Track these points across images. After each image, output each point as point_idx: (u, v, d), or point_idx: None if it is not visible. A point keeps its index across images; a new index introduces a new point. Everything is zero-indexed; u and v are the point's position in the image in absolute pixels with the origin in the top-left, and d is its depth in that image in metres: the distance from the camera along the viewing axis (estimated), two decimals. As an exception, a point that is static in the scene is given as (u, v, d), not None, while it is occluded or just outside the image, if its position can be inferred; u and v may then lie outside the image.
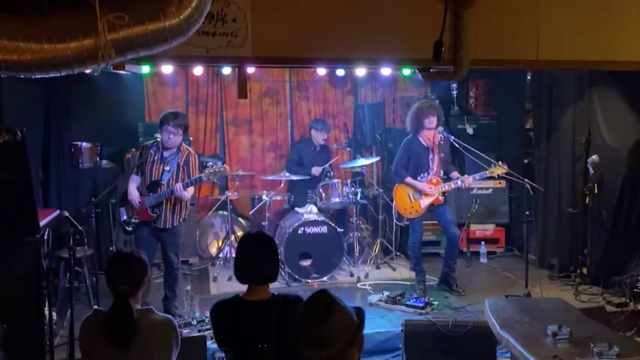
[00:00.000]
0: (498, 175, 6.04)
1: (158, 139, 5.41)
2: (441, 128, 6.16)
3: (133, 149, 6.71)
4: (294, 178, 7.15)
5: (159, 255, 5.70)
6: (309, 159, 7.45)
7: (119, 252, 3.26)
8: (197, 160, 5.58)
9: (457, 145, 6.14)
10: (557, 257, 6.92)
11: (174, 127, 5.36)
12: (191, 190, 5.50)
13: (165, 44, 3.55)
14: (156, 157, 5.46)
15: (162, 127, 5.39)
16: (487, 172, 5.98)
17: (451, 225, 6.24)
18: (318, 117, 8.22)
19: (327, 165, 7.30)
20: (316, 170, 7.31)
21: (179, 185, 5.33)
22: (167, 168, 5.42)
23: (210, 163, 5.80)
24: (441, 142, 6.14)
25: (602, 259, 6.32)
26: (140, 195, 5.44)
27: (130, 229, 5.50)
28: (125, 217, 5.51)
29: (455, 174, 6.22)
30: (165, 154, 5.47)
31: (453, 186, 6.14)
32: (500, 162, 5.99)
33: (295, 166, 7.42)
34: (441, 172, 6.17)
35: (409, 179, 6.12)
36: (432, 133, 6.09)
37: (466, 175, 6.13)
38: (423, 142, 6.13)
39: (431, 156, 6.13)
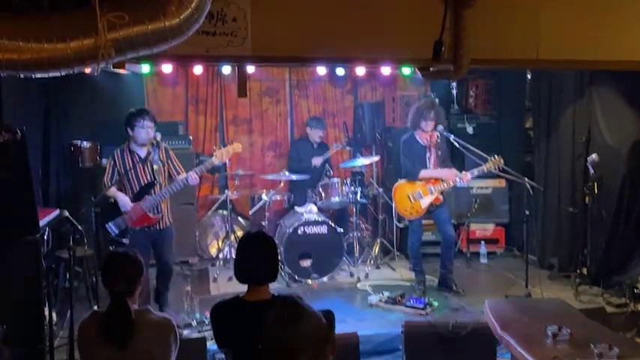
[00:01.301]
0: (497, 167, 6.03)
1: (158, 140, 5.37)
2: (440, 127, 6.16)
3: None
4: (294, 177, 7.15)
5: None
6: (307, 157, 7.44)
7: (115, 252, 3.27)
8: None
9: (457, 144, 6.14)
10: (557, 257, 6.92)
11: (150, 121, 5.32)
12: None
13: (166, 44, 3.55)
14: (133, 161, 5.35)
15: (137, 123, 5.28)
16: (484, 166, 5.98)
17: (448, 225, 6.26)
18: (318, 116, 8.22)
19: (326, 156, 7.28)
20: (317, 160, 7.31)
21: (192, 174, 5.31)
22: (156, 167, 5.35)
23: (214, 149, 5.71)
24: (438, 141, 6.15)
25: (602, 259, 6.31)
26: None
27: (127, 241, 5.30)
28: (117, 231, 5.31)
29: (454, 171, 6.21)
30: (142, 153, 5.37)
31: (451, 184, 6.14)
32: (495, 156, 6.00)
33: (297, 164, 7.42)
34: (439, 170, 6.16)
35: (423, 172, 6.09)
36: (429, 133, 6.11)
37: (464, 172, 6.13)
38: (420, 141, 6.14)
39: (428, 154, 6.14)
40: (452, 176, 6.08)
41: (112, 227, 5.32)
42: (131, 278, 2.93)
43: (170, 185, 5.35)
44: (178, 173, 5.46)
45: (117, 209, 5.33)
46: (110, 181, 5.35)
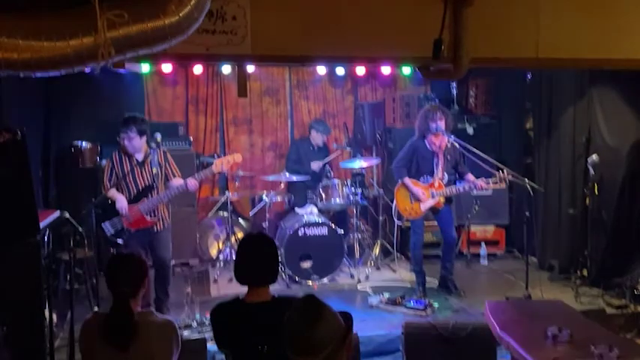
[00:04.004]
0: (505, 181, 6.03)
1: (159, 140, 5.37)
2: (453, 137, 6.09)
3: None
4: (294, 178, 7.14)
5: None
6: (307, 158, 7.43)
7: (119, 254, 3.27)
8: None
9: (464, 152, 6.08)
10: (557, 259, 6.90)
11: (135, 132, 5.26)
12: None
13: (165, 42, 3.54)
14: (131, 164, 5.35)
15: (123, 134, 5.29)
16: (490, 181, 5.99)
17: (450, 227, 6.24)
18: (318, 116, 8.22)
19: (326, 160, 7.27)
20: (316, 165, 7.30)
21: (191, 180, 5.33)
22: (155, 170, 5.36)
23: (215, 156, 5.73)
24: (449, 146, 6.09)
25: (602, 260, 6.29)
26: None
27: (122, 241, 5.33)
28: (112, 231, 5.34)
29: (470, 176, 6.15)
30: (140, 157, 5.36)
31: (454, 191, 6.13)
32: (503, 171, 5.94)
33: (295, 165, 7.41)
34: (445, 175, 6.13)
35: (407, 180, 6.10)
36: (438, 138, 6.02)
37: (472, 178, 6.10)
38: (429, 146, 6.10)
39: (436, 160, 6.10)
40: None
41: (107, 227, 5.36)
42: (135, 280, 2.92)
43: (168, 190, 5.37)
44: (174, 176, 5.46)
45: (115, 210, 5.33)
46: (109, 183, 5.37)
